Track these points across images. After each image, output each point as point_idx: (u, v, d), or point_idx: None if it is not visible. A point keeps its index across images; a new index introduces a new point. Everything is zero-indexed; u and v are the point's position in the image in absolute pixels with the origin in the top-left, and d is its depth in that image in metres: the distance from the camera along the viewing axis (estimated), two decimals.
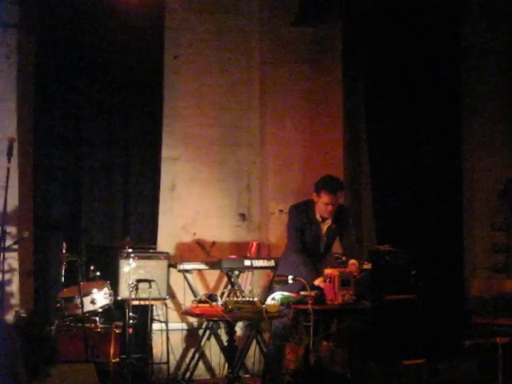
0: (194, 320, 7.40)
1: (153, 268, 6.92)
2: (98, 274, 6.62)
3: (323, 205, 6.05)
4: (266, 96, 7.82)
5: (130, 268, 6.54)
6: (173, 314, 7.35)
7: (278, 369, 6.02)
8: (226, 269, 7.09)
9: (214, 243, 7.48)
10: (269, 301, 5.60)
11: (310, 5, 7.57)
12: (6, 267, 6.55)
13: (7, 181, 5.95)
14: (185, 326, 7.50)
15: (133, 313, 6.58)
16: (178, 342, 7.41)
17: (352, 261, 5.99)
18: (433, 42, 8.08)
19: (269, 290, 6.44)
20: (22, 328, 6.22)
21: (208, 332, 7.24)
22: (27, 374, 3.64)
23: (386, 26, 8.01)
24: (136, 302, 6.64)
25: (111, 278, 6.74)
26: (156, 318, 7.13)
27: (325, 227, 6.20)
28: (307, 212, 6.16)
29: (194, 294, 7.08)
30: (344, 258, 6.30)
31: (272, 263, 7.12)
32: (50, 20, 7.24)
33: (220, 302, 5.67)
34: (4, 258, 6.05)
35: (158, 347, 7.13)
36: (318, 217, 6.15)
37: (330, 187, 6.02)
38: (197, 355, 7.29)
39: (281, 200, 7.58)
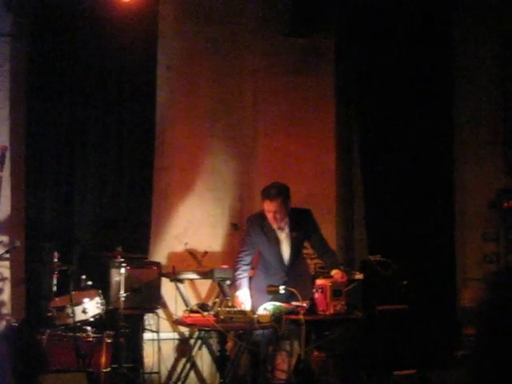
0: (185, 330, 7.38)
1: (145, 277, 6.92)
2: (89, 283, 6.59)
3: (267, 213, 5.93)
4: (259, 106, 7.85)
5: (121, 277, 6.52)
6: (164, 324, 7.34)
7: (264, 378, 6.01)
8: (217, 278, 7.08)
9: (205, 253, 7.47)
10: (261, 311, 5.60)
11: (302, 16, 7.58)
12: None
13: None
14: (176, 336, 7.48)
15: (124, 322, 6.55)
16: (169, 351, 7.40)
17: (334, 271, 5.86)
18: (425, 51, 8.11)
19: None
20: (13, 337, 6.22)
21: (199, 342, 7.24)
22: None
23: (378, 37, 8.04)
24: (127, 312, 6.63)
25: (103, 287, 6.72)
26: (147, 327, 7.13)
27: (283, 236, 6.06)
28: (262, 222, 6.03)
29: (186, 303, 7.08)
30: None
31: None
32: (43, 29, 7.24)
33: (212, 312, 5.66)
34: None
35: (150, 357, 7.13)
36: (274, 226, 6.02)
37: (265, 194, 5.90)
38: (188, 365, 7.29)
39: None
